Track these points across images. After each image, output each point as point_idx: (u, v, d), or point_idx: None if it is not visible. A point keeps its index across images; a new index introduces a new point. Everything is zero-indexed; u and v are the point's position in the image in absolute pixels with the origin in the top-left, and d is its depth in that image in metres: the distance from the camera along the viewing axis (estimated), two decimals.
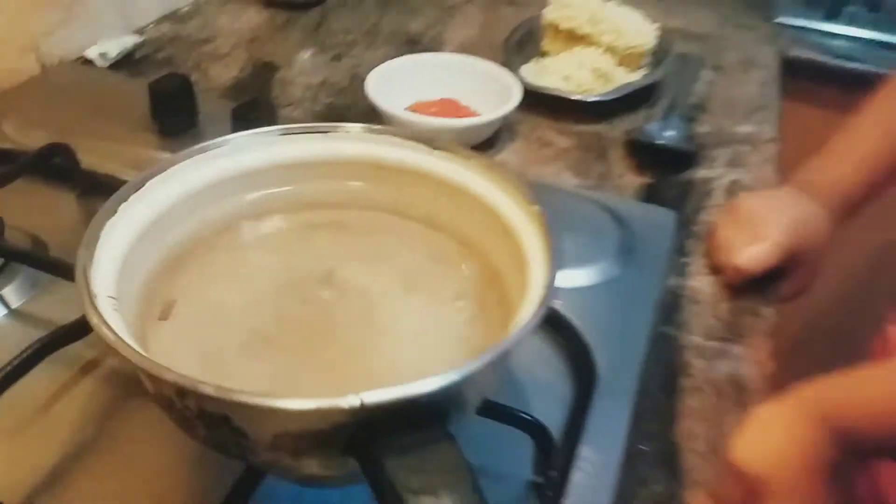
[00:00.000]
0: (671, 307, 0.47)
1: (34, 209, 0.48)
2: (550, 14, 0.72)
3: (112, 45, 0.69)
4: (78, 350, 0.37)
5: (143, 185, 0.33)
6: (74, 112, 0.57)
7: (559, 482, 0.34)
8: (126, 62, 0.70)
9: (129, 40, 0.71)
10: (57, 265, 0.41)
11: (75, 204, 0.49)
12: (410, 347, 0.33)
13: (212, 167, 0.36)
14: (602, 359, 0.40)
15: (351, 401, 0.24)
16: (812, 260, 0.52)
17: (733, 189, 0.59)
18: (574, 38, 0.70)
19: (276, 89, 0.68)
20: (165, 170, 0.34)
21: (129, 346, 0.25)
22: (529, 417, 0.36)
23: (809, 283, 0.54)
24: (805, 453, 0.33)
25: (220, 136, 0.36)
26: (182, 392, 0.25)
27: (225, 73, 0.70)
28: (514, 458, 0.36)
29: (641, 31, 0.71)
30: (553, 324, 0.43)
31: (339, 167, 0.38)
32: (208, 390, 0.24)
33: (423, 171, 0.37)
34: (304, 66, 0.72)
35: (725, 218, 0.52)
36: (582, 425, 0.37)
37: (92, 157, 0.50)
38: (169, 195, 0.34)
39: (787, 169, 0.60)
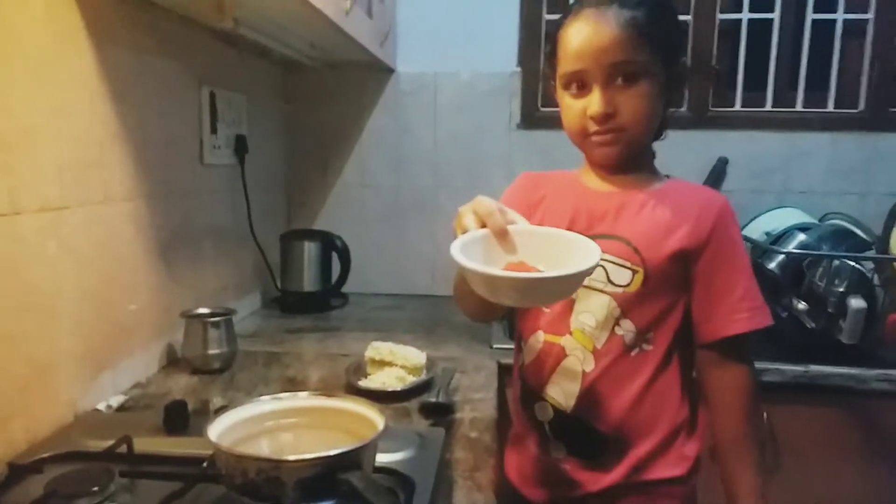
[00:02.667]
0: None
1: None
2: (368, 353, 1.33)
3: (112, 401, 1.18)
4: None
5: (222, 413, 0.83)
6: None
7: None
8: (120, 410, 1.17)
9: (120, 398, 1.20)
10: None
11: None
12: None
13: (250, 408, 0.87)
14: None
15: (329, 452, 0.75)
16: None
17: (472, 422, 1.16)
18: (383, 363, 1.31)
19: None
20: (234, 407, 0.85)
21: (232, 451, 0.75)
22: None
23: None
24: None
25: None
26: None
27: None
28: None
29: (418, 357, 1.34)
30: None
31: (296, 411, 0.91)
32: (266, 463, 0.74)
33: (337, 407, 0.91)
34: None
35: None
36: None
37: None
38: (237, 415, 0.84)
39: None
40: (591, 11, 0.94)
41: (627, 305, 0.97)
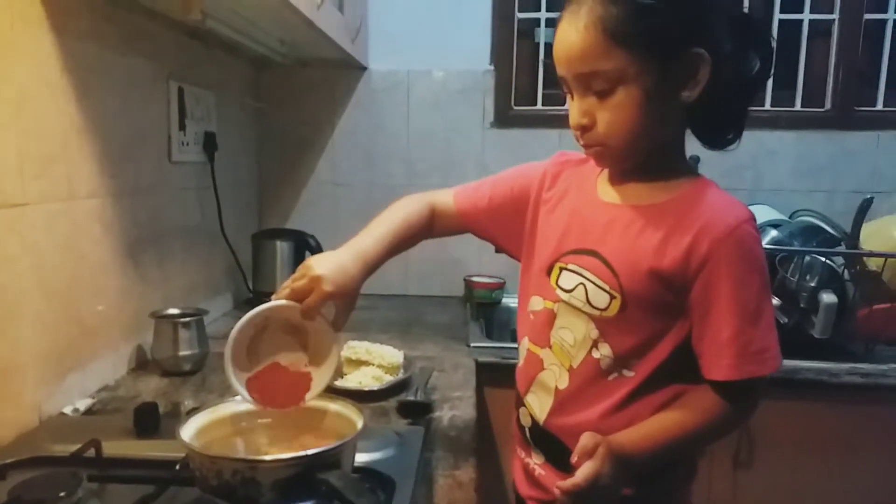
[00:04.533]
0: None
1: None
2: (345, 353, 1.30)
3: (80, 404, 1.13)
4: None
5: (195, 414, 0.81)
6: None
7: None
8: (88, 413, 1.13)
9: (88, 401, 1.16)
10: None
11: None
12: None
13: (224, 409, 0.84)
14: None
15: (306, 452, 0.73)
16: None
17: (451, 420, 1.15)
18: (360, 362, 1.29)
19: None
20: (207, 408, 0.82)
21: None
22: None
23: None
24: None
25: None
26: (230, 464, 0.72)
27: None
28: None
29: (395, 356, 1.32)
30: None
31: (271, 412, 0.88)
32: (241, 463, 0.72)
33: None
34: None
35: None
36: None
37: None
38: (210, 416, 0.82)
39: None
40: (567, 10, 0.84)
41: (605, 330, 0.89)
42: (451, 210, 1.06)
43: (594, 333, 0.90)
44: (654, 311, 0.87)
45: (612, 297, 0.87)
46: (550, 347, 0.95)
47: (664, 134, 0.88)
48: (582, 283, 0.90)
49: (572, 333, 0.92)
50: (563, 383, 0.93)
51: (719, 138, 0.91)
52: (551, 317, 0.94)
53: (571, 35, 0.82)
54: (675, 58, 0.82)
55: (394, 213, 1.02)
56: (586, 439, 0.81)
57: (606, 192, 0.94)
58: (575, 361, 0.92)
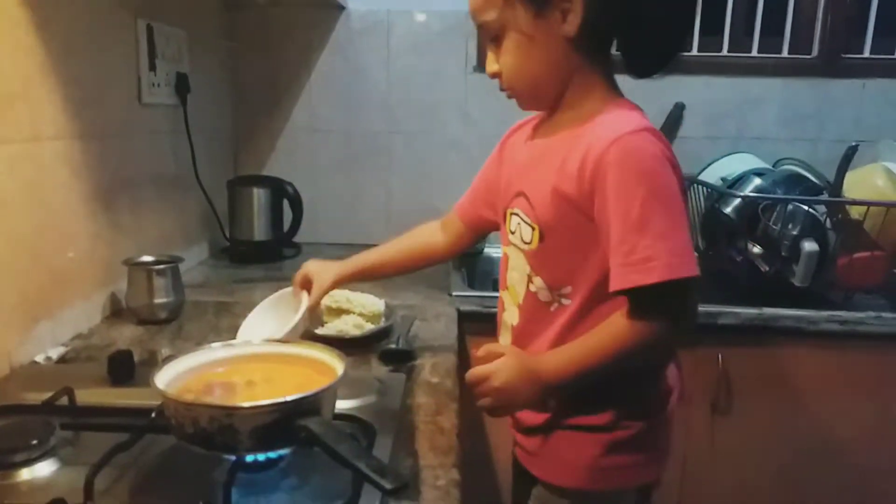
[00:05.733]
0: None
1: None
2: (325, 300, 1.27)
3: (52, 353, 1.10)
4: None
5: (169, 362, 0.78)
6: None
7: None
8: (61, 362, 1.10)
9: (60, 349, 1.13)
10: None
11: None
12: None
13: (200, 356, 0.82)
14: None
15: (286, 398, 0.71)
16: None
17: (433, 368, 1.14)
18: (340, 311, 1.26)
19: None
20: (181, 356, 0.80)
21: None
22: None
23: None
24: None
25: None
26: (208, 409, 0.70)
27: None
28: None
29: (376, 304, 1.30)
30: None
31: (249, 358, 0.86)
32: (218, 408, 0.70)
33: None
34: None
35: None
36: None
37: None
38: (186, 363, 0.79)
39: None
40: None
41: (535, 262, 0.95)
42: (454, 216, 1.18)
43: (527, 268, 0.96)
44: (570, 238, 0.90)
45: (533, 229, 0.93)
46: (507, 289, 1.02)
47: (561, 67, 0.90)
48: (520, 223, 0.96)
49: (517, 272, 0.99)
50: (515, 320, 1.00)
51: (639, 66, 0.91)
52: (507, 259, 1.02)
53: None
54: (546, 7, 0.86)
55: (405, 234, 1.22)
56: (482, 349, 0.93)
57: (537, 133, 1.00)
58: (520, 298, 0.98)
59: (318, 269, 1.14)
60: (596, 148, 0.84)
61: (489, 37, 0.92)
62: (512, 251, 1.00)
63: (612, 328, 0.87)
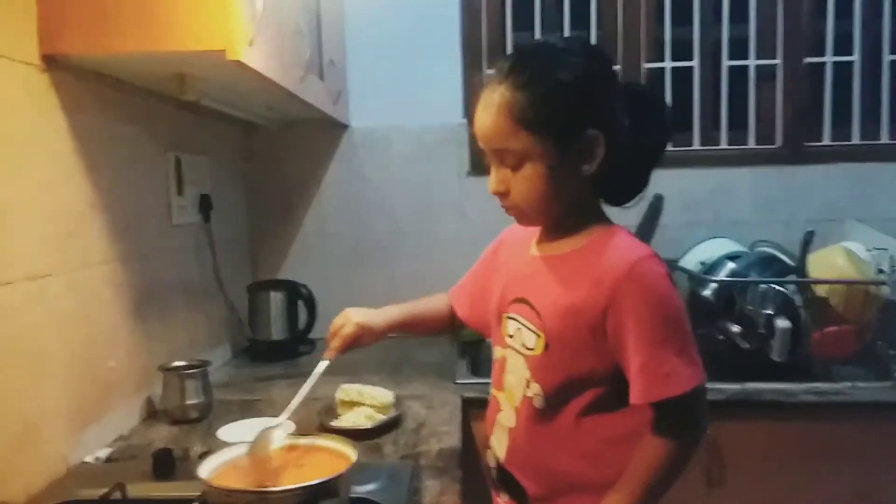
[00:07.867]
0: None
1: None
2: (338, 395, 1.42)
3: (100, 454, 1.24)
4: None
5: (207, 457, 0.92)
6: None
7: None
8: (108, 461, 1.24)
9: (107, 450, 1.27)
10: None
11: None
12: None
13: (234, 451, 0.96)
14: None
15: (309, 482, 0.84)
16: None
17: (439, 453, 1.26)
18: (353, 403, 1.40)
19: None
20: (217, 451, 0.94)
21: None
22: None
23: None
24: None
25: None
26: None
27: None
28: None
29: (386, 396, 1.44)
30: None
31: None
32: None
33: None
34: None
35: None
36: None
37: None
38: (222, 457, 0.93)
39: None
40: (485, 91, 0.96)
41: (534, 369, 0.99)
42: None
43: (527, 373, 1.00)
44: (574, 351, 0.96)
45: (538, 337, 0.98)
46: (504, 391, 1.06)
47: (573, 196, 0.99)
48: (519, 328, 1.02)
49: (514, 375, 1.03)
50: (512, 422, 1.04)
51: (620, 198, 1.03)
52: (503, 362, 1.06)
53: (485, 117, 0.95)
54: (574, 138, 0.93)
55: (423, 298, 1.29)
56: None
57: (535, 248, 1.06)
58: (517, 400, 1.03)
59: (362, 317, 1.17)
60: (613, 272, 0.93)
61: (501, 161, 0.96)
62: (510, 354, 1.04)
63: (649, 452, 0.95)
